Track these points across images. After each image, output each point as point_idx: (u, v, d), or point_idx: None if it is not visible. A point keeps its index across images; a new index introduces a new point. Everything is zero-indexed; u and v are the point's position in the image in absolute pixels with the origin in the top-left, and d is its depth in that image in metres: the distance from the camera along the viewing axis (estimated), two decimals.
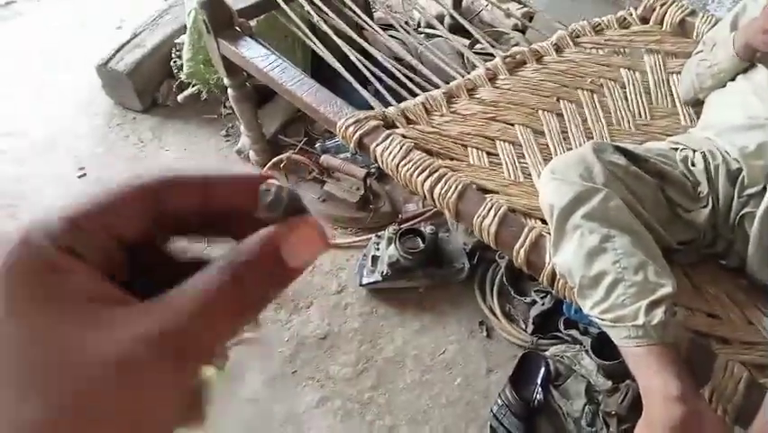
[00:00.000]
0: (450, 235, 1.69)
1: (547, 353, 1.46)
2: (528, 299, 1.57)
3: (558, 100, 1.41)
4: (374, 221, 1.79)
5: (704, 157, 1.10)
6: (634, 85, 1.46)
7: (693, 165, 1.10)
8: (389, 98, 1.47)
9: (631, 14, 1.66)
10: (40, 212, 0.19)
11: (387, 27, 1.86)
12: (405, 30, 1.80)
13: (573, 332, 1.46)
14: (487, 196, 1.18)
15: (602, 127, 1.36)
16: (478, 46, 1.95)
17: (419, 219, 1.77)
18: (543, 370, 1.41)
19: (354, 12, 1.75)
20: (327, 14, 1.72)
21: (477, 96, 1.43)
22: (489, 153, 1.30)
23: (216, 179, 0.22)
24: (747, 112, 1.13)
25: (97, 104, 2.30)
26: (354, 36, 1.66)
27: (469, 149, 1.30)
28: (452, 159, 1.28)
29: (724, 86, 1.26)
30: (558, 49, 1.56)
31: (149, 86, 2.22)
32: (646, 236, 0.97)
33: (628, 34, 1.61)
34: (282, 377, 1.50)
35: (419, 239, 1.61)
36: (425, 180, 1.20)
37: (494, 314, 1.58)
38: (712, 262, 1.10)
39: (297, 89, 1.46)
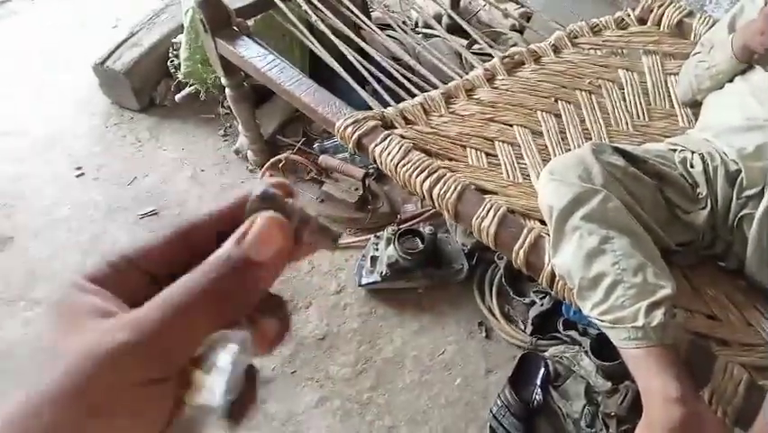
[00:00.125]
0: (449, 236, 1.69)
1: (546, 353, 1.46)
2: (527, 300, 1.57)
3: (556, 101, 1.41)
4: (373, 221, 1.79)
5: (702, 158, 1.09)
6: (632, 86, 1.46)
7: (692, 166, 1.10)
8: (387, 98, 1.47)
9: (629, 15, 1.66)
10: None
11: (384, 27, 1.86)
12: (402, 30, 1.79)
13: (572, 333, 1.46)
14: (486, 196, 1.18)
15: (600, 128, 1.36)
16: (476, 46, 1.96)
17: (418, 220, 1.77)
18: (542, 371, 1.41)
19: (352, 11, 1.75)
20: (325, 14, 1.71)
21: (475, 96, 1.43)
22: (487, 154, 1.30)
23: (221, 215, 0.28)
24: (745, 113, 1.13)
25: (95, 103, 2.29)
26: (352, 36, 1.66)
27: (467, 149, 1.30)
28: (450, 159, 1.28)
29: (722, 87, 1.26)
30: (556, 49, 1.56)
31: (146, 85, 2.21)
32: (645, 238, 0.97)
33: (626, 35, 1.61)
34: (282, 377, 1.50)
35: (418, 240, 1.61)
36: (423, 181, 1.20)
37: (493, 314, 1.59)
38: (711, 263, 1.11)
39: (295, 89, 1.45)
